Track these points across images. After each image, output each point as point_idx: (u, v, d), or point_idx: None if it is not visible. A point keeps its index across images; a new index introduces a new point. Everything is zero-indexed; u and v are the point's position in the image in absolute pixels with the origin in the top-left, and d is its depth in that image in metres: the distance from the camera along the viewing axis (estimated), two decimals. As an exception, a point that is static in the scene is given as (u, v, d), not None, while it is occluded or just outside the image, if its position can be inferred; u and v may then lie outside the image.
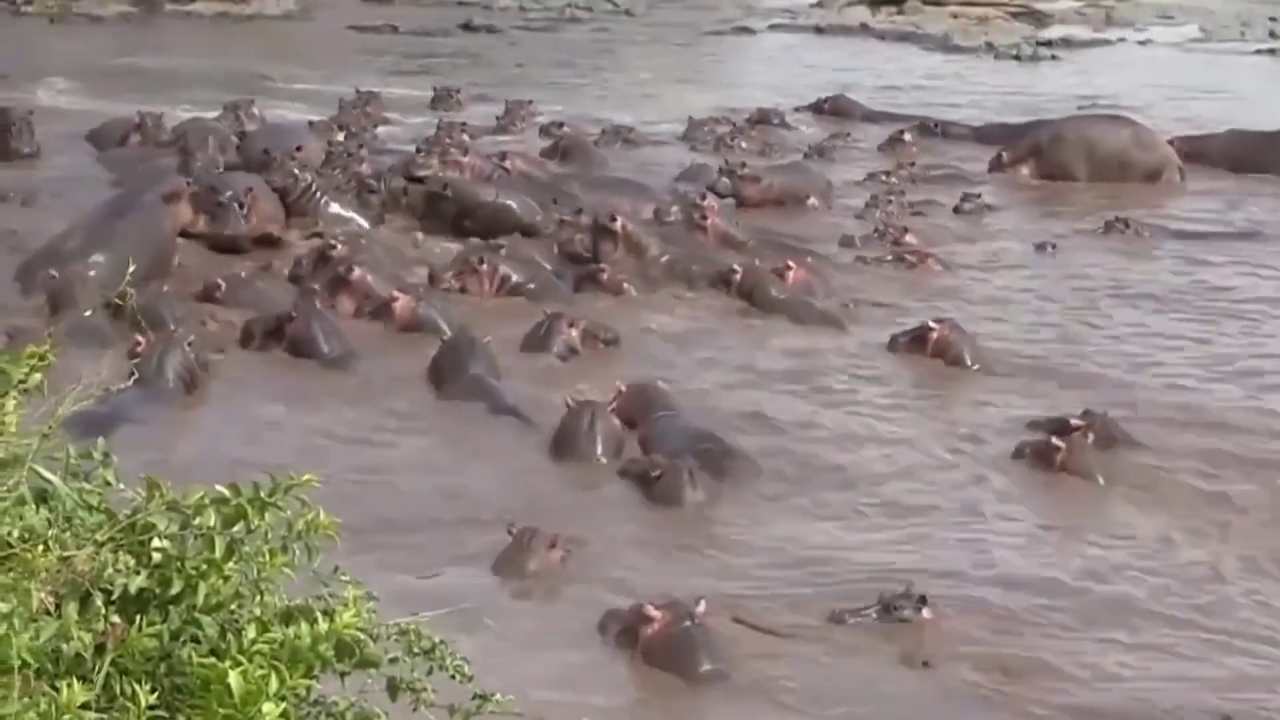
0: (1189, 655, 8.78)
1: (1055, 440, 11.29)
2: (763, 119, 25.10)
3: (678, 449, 11.04)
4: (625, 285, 15.46)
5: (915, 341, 13.72)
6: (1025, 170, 21.97)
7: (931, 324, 13.79)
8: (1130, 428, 11.92)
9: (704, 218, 17.13)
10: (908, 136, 23.75)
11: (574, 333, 13.60)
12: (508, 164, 19.46)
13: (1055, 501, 10.94)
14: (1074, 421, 11.61)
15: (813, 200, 19.60)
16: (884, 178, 20.85)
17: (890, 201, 19.50)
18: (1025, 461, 11.37)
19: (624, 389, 12.04)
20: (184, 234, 15.97)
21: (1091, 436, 11.48)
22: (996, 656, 8.62)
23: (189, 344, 12.69)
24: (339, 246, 15.15)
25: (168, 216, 15.70)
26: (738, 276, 15.38)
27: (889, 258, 16.74)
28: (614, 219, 16.11)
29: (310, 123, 22.55)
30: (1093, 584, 9.55)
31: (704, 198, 17.95)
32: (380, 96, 26.10)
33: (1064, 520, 10.60)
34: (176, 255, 15.63)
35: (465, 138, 21.58)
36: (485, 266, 15.22)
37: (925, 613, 8.81)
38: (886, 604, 8.83)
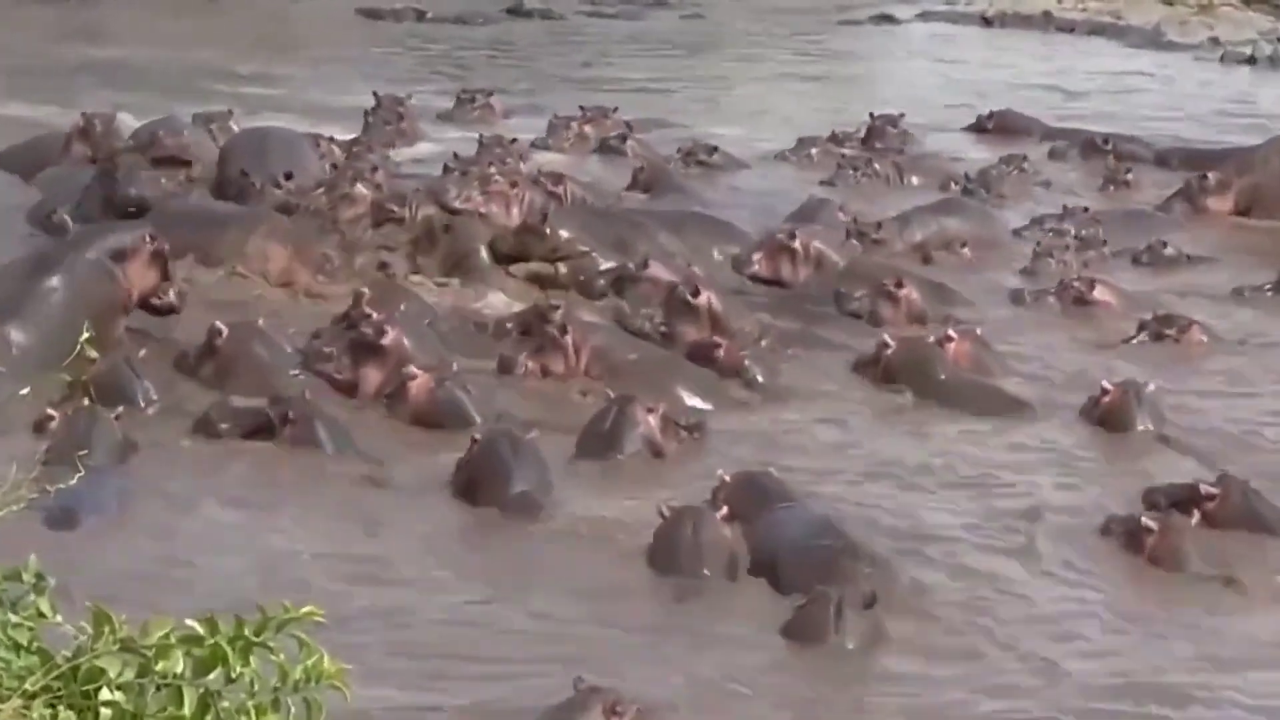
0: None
1: (1146, 520, 11.79)
2: (905, 138, 25.13)
3: (790, 549, 11.31)
4: (748, 363, 15.39)
5: (1089, 408, 14.53)
6: (1224, 205, 21.86)
7: (1106, 385, 14.46)
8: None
9: (900, 285, 17.06)
10: (1130, 177, 23.55)
11: (653, 421, 13.47)
12: (559, 189, 19.57)
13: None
14: (1205, 489, 12.24)
15: (966, 249, 19.58)
16: (1062, 222, 20.73)
17: (1068, 249, 19.46)
18: (1114, 542, 11.93)
19: (728, 479, 12.24)
20: (142, 304, 15.74)
21: (1197, 515, 12.06)
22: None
23: (117, 418, 12.88)
24: (372, 315, 14.77)
25: (111, 280, 15.45)
26: (889, 352, 15.31)
27: (1140, 334, 16.66)
28: (697, 292, 16.06)
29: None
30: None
31: (793, 236, 18.03)
32: (409, 105, 26.22)
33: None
34: (122, 324, 15.47)
35: (510, 161, 21.55)
36: (569, 337, 15.05)
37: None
38: None
